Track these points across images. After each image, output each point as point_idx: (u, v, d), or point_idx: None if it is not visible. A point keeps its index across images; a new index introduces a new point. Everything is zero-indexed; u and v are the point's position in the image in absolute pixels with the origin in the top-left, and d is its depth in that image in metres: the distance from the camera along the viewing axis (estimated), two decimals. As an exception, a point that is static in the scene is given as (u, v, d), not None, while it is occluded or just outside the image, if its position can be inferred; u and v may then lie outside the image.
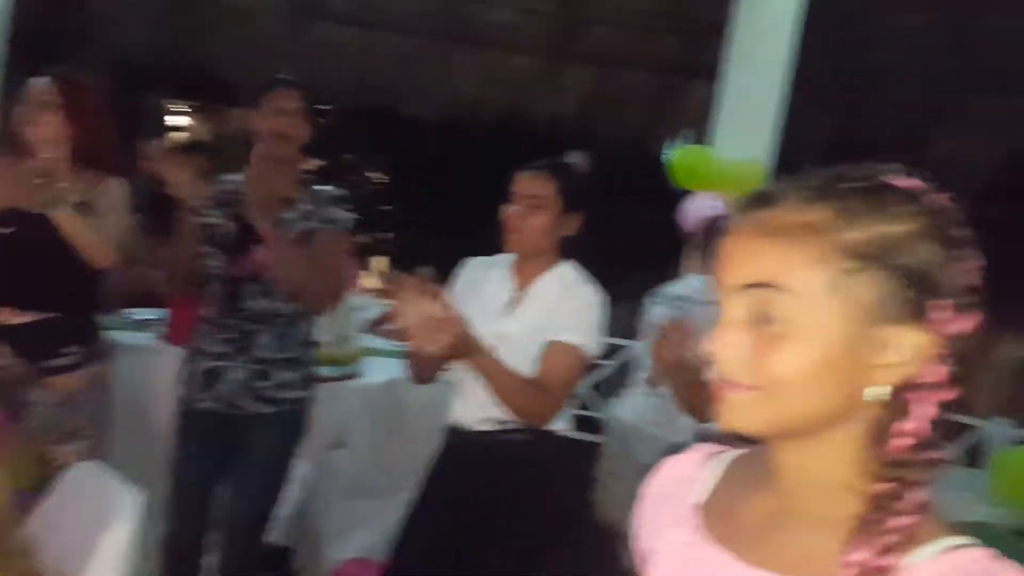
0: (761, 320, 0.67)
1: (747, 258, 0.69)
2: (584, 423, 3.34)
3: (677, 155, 4.22)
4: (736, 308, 0.69)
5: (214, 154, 3.68)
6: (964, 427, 5.17)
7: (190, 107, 8.10)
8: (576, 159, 2.11)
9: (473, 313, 1.96)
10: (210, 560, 2.35)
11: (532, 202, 2.00)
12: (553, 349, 1.93)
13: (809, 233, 0.66)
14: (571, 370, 1.94)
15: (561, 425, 2.02)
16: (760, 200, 0.70)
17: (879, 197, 0.67)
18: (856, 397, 0.68)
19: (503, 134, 6.32)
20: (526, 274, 2.07)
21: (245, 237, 2.22)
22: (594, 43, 6.13)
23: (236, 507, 2.31)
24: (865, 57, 6.02)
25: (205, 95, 7.58)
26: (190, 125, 8.19)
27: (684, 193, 4.21)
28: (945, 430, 0.69)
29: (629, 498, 0.91)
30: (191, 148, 3.50)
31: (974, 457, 4.84)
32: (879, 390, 0.68)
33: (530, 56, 6.40)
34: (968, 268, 0.68)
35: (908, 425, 0.67)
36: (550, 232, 2.02)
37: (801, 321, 0.66)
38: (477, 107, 6.49)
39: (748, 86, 4.30)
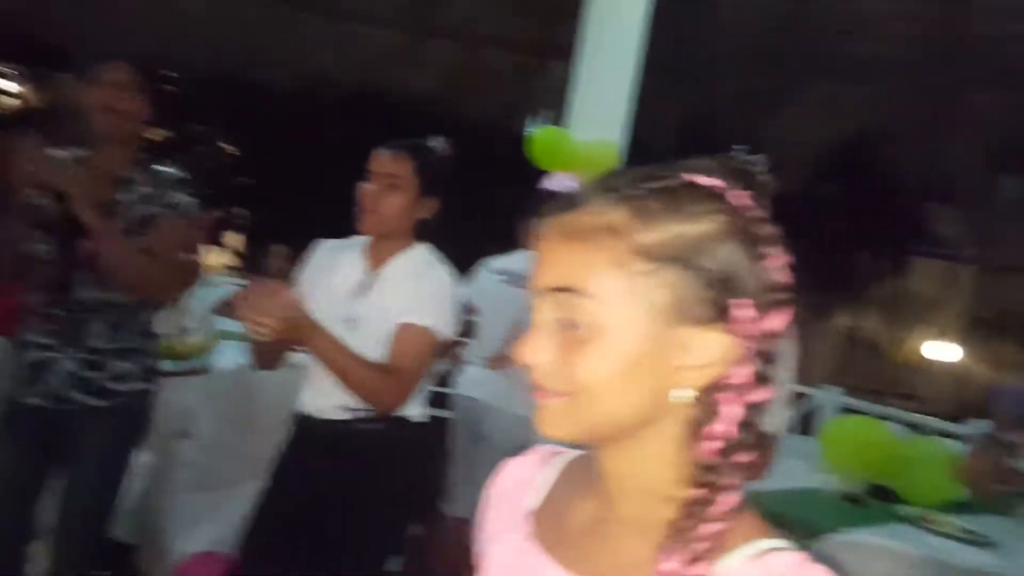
0: (567, 325, 0.67)
1: (551, 261, 0.68)
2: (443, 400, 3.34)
3: (535, 135, 4.26)
4: (544, 312, 0.68)
5: (48, 126, 3.39)
6: (798, 395, 5.53)
7: (23, 73, 7.45)
8: (437, 142, 2.08)
9: (323, 297, 1.89)
10: (37, 566, 2.19)
11: (389, 181, 1.95)
12: (403, 332, 1.89)
13: (608, 235, 0.65)
14: (422, 353, 1.90)
15: (416, 410, 1.99)
16: (565, 203, 0.69)
17: (677, 197, 0.66)
18: (664, 400, 0.66)
19: (362, 107, 6.17)
20: (379, 256, 2.02)
21: (75, 221, 2.05)
22: (455, 19, 6.09)
23: (67, 507, 2.15)
24: (712, 42, 6.27)
25: (41, 61, 7.01)
26: (22, 92, 7.53)
27: (542, 173, 4.26)
28: (757, 433, 0.67)
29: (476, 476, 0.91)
30: (21, 118, 3.21)
31: (807, 425, 5.19)
32: (683, 393, 0.66)
33: (389, 29, 6.27)
34: (773, 266, 0.66)
35: (716, 428, 0.66)
36: (406, 214, 1.98)
37: (602, 325, 0.65)
38: (333, 79, 6.31)
39: (601, 68, 4.37)
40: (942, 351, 14.75)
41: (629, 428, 0.68)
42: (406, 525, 1.97)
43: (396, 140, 2.03)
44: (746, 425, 0.66)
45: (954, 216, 14.41)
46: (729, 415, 0.65)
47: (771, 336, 0.66)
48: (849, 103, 6.04)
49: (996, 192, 13.55)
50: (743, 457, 0.65)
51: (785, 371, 1.67)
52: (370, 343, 1.87)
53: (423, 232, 2.04)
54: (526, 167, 4.22)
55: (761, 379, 0.66)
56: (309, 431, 1.97)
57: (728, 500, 0.65)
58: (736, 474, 0.65)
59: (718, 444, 0.65)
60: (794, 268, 0.69)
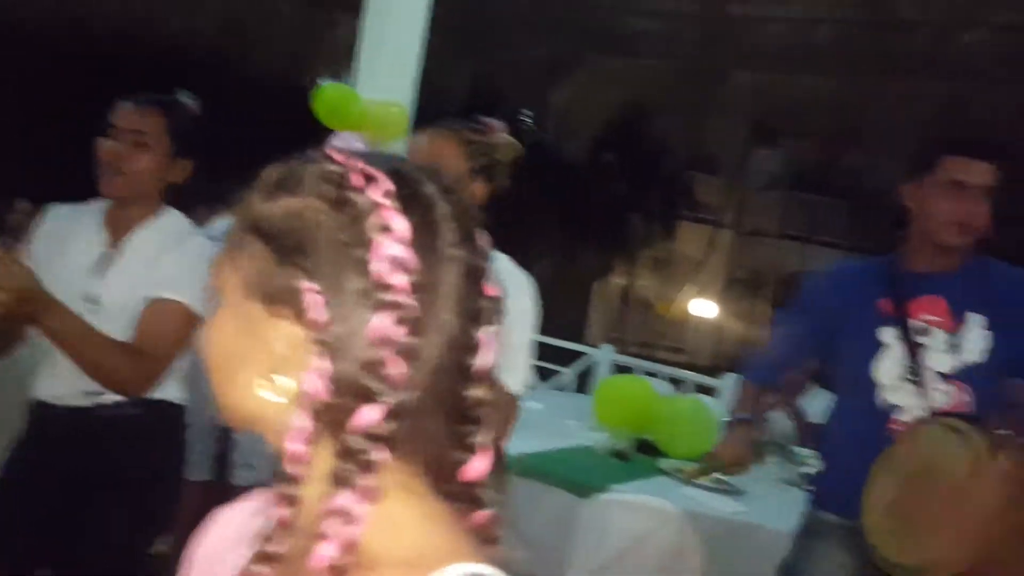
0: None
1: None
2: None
3: (320, 92, 4.09)
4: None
5: None
6: (575, 354, 5.82)
7: None
8: (187, 98, 1.90)
9: (58, 272, 1.68)
10: None
11: (134, 139, 1.76)
12: (153, 308, 1.72)
13: (239, 210, 0.63)
14: (175, 331, 1.71)
15: (175, 392, 1.85)
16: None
17: (297, 172, 0.61)
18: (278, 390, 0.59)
19: (125, 55, 5.62)
20: (122, 225, 1.80)
21: None
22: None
23: None
24: (498, 8, 6.33)
25: None
26: None
27: (328, 131, 4.11)
28: (367, 441, 0.56)
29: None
30: None
31: (584, 383, 5.46)
32: (268, 385, 0.59)
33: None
34: (380, 260, 0.57)
35: (293, 431, 0.57)
36: (155, 176, 1.80)
37: (219, 299, 0.63)
38: (88, 22, 5.70)
39: (389, 27, 4.27)
40: (704, 308, 16.08)
41: (260, 417, 0.60)
42: (172, 503, 1.85)
43: (144, 93, 1.84)
44: (325, 432, 0.56)
45: (715, 185, 15.72)
46: (300, 419, 0.56)
47: (363, 339, 0.56)
48: (625, 76, 6.38)
49: (750, 164, 14.92)
50: (356, 464, 0.55)
51: (522, 332, 1.72)
52: (115, 325, 1.69)
53: (175, 197, 1.88)
54: (313, 126, 4.06)
55: (352, 386, 0.56)
56: (48, 420, 1.78)
57: (357, 512, 0.55)
58: (365, 476, 0.55)
59: (298, 451, 0.56)
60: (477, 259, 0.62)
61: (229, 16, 6.07)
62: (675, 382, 5.08)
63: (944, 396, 1.80)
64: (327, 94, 4.05)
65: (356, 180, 0.60)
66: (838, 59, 5.66)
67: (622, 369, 5.60)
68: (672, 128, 6.74)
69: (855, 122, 5.72)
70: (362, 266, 0.57)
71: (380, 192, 0.59)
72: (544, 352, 5.94)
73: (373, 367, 0.56)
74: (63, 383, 1.73)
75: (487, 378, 0.62)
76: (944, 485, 1.36)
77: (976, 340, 1.81)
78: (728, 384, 4.90)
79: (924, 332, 1.84)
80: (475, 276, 0.62)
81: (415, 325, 0.57)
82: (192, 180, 1.91)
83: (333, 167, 0.61)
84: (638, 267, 16.94)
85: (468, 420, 0.61)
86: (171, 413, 1.85)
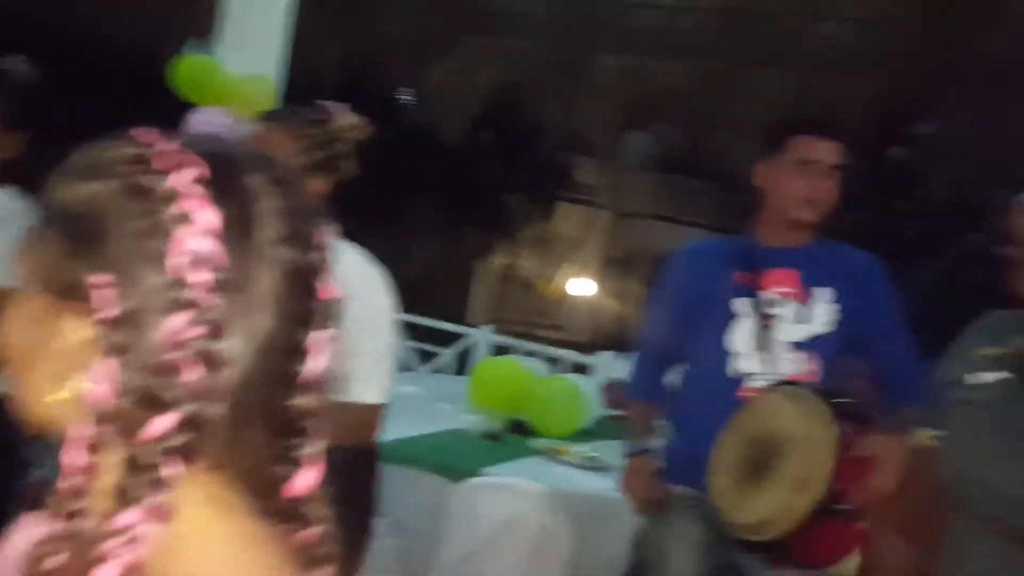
0: None
1: None
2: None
3: (180, 62, 3.87)
4: None
5: None
6: (457, 336, 5.81)
7: None
8: (20, 64, 1.75)
9: None
10: None
11: None
12: None
13: (42, 194, 0.57)
14: None
15: None
16: None
17: (94, 156, 0.56)
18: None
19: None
20: None
21: None
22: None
23: None
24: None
25: None
26: None
27: (188, 106, 3.90)
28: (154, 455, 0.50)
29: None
30: None
31: (464, 365, 5.46)
32: (59, 386, 0.54)
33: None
34: (180, 254, 0.52)
35: (74, 439, 0.51)
36: None
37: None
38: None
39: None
40: (582, 287, 16.40)
41: (52, 421, 0.55)
42: None
43: None
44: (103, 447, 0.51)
45: (592, 166, 16.04)
46: (84, 428, 0.51)
47: (156, 341, 0.51)
48: (503, 57, 6.39)
49: (624, 147, 15.28)
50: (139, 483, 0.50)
51: (378, 337, 1.66)
52: None
53: (6, 174, 1.73)
54: (171, 99, 3.85)
55: (142, 393, 0.50)
56: None
57: (143, 532, 0.50)
58: (154, 492, 0.50)
59: (82, 458, 0.51)
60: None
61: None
62: (553, 361, 5.16)
63: (792, 364, 1.88)
64: (187, 65, 3.84)
65: (160, 164, 0.54)
66: (702, 47, 5.84)
67: (502, 349, 5.63)
68: (546, 109, 6.80)
69: (718, 107, 5.94)
70: (159, 260, 0.52)
71: (188, 179, 0.53)
72: (425, 334, 5.93)
73: (166, 372, 0.51)
74: None
75: (316, 386, 0.57)
76: (781, 449, 1.42)
77: (823, 312, 1.90)
78: (602, 362, 5.01)
79: (776, 303, 1.92)
80: (304, 276, 0.57)
81: (217, 327, 0.52)
82: (37, 155, 1.76)
83: (136, 149, 0.55)
84: (519, 247, 17.11)
85: (293, 432, 0.56)
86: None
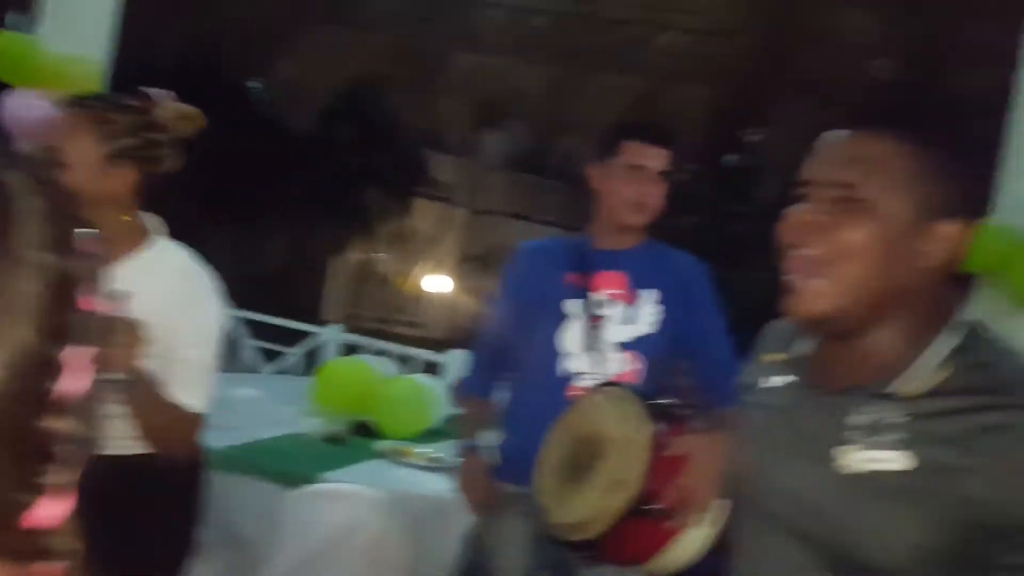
0: None
1: None
2: None
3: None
4: None
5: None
6: (303, 335, 5.64)
7: None
8: None
9: None
10: None
11: None
12: None
13: None
14: None
15: None
16: None
17: None
18: None
19: None
20: None
21: None
22: None
23: None
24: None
25: None
26: None
27: (4, 87, 3.60)
28: None
29: None
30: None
31: (311, 365, 5.31)
32: None
33: None
34: None
35: None
36: None
37: None
38: None
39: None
40: (440, 284, 16.37)
41: None
42: None
43: None
44: None
45: (449, 163, 16.03)
46: None
47: None
48: (357, 51, 6.27)
49: (480, 145, 15.38)
50: None
51: (201, 344, 1.60)
52: None
53: None
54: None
55: None
56: None
57: None
58: None
59: None
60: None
61: None
62: (405, 360, 5.10)
63: (619, 364, 1.93)
64: (3, 42, 3.55)
65: None
66: (552, 49, 5.96)
67: (352, 348, 5.51)
68: (402, 104, 6.73)
69: (567, 109, 6.07)
70: None
71: None
72: (273, 333, 5.72)
73: None
74: None
75: (70, 407, 0.51)
76: (601, 450, 1.45)
77: (648, 312, 1.97)
78: (455, 360, 5.00)
79: (605, 304, 1.96)
80: (65, 285, 0.51)
81: None
82: None
83: None
84: (375, 243, 16.86)
85: (38, 456, 0.50)
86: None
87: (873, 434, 0.92)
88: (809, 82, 5.51)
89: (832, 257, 0.93)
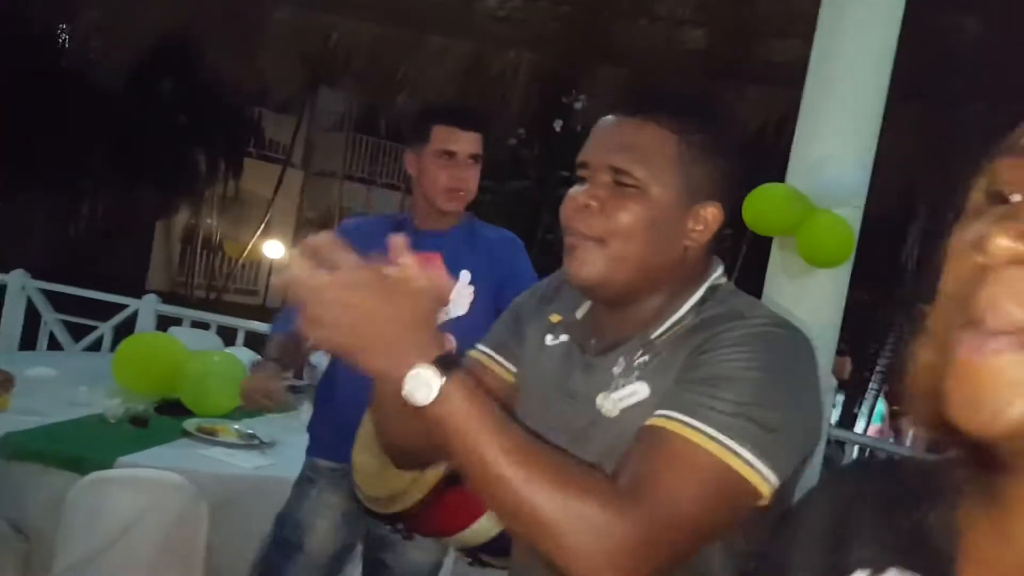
0: None
1: None
2: None
3: None
4: None
5: None
6: (116, 307, 5.28)
7: None
8: None
9: None
10: None
11: None
12: None
13: None
14: None
15: None
16: None
17: None
18: None
19: None
20: None
21: None
22: None
23: None
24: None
25: None
26: None
27: None
28: None
29: None
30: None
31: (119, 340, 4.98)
32: None
33: None
34: None
35: None
36: None
37: None
38: None
39: None
40: (276, 248, 15.81)
41: None
42: None
43: None
44: None
45: (283, 124, 15.40)
46: None
47: None
48: (171, 2, 5.88)
49: (316, 104, 14.87)
50: None
51: None
52: None
53: None
54: None
55: None
56: None
57: None
58: None
59: None
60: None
61: None
62: (230, 331, 4.88)
63: None
64: None
65: None
66: (376, 6, 5.83)
67: (172, 321, 5.22)
68: (223, 60, 6.37)
69: (399, 70, 5.98)
70: None
71: None
72: (84, 306, 5.31)
73: None
74: None
75: None
76: None
77: (463, 295, 1.97)
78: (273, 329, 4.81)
79: None
80: None
81: None
82: None
83: None
84: (205, 207, 15.99)
85: None
86: None
87: (624, 376, 1.00)
88: (624, 52, 5.69)
89: (605, 236, 1.01)
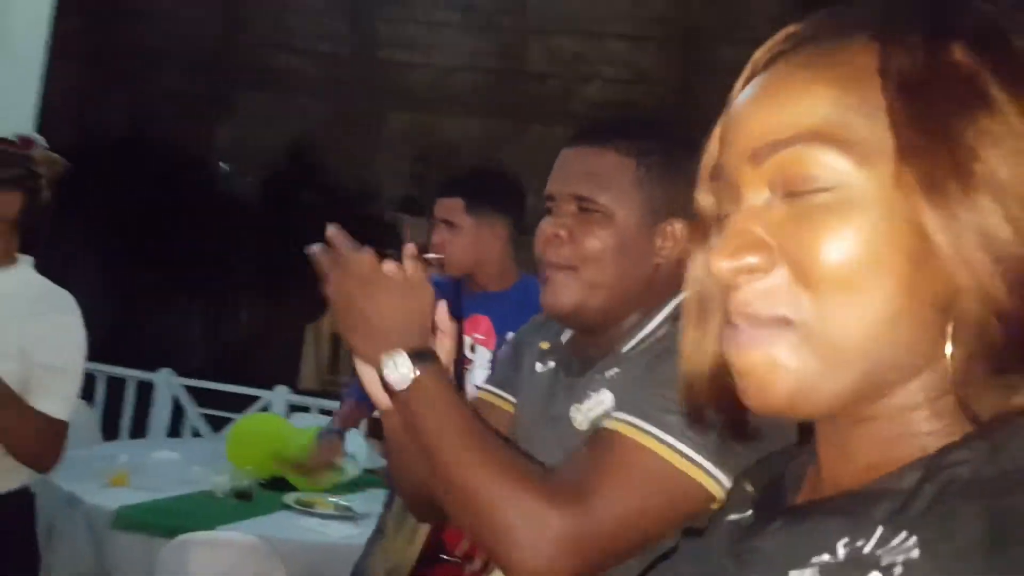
0: None
1: None
2: None
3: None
4: None
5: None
6: (250, 399, 5.62)
7: None
8: None
9: None
10: None
11: None
12: None
13: None
14: None
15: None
16: None
17: None
18: None
19: None
20: None
21: None
22: None
23: None
24: (147, 42, 6.04)
25: None
26: None
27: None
28: None
29: None
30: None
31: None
32: None
33: None
34: None
35: None
36: None
37: None
38: None
39: (5, 45, 3.94)
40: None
41: None
42: None
43: None
44: None
45: (422, 226, 16.10)
46: None
47: None
48: (294, 116, 6.43)
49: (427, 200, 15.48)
50: None
51: (65, 352, 1.73)
52: None
53: None
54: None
55: None
56: None
57: None
58: None
59: None
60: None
61: None
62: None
63: None
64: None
65: None
66: (477, 103, 6.12)
67: (300, 409, 5.51)
68: (353, 166, 6.84)
69: (500, 161, 6.22)
70: None
71: None
72: (223, 401, 5.69)
73: None
74: None
75: None
76: None
77: (480, 362, 2.00)
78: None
79: (473, 349, 2.00)
80: None
81: None
82: None
83: None
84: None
85: None
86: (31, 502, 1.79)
87: (593, 389, 1.02)
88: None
89: (576, 263, 1.03)
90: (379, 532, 2.10)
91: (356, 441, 3.20)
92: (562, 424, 1.04)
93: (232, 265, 13.96)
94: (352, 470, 2.98)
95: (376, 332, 0.93)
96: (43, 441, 1.73)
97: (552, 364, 1.13)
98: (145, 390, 5.53)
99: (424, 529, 1.35)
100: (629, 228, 1.01)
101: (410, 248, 0.99)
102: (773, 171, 0.49)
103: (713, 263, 0.50)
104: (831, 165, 0.46)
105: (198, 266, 12.84)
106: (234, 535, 2.20)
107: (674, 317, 1.03)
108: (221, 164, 11.86)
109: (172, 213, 11.50)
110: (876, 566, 0.40)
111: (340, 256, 0.93)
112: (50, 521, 2.49)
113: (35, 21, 4.06)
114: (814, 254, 0.46)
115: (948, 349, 0.45)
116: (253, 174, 7.20)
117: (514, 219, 2.15)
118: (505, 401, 1.20)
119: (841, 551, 0.42)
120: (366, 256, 0.94)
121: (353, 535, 2.56)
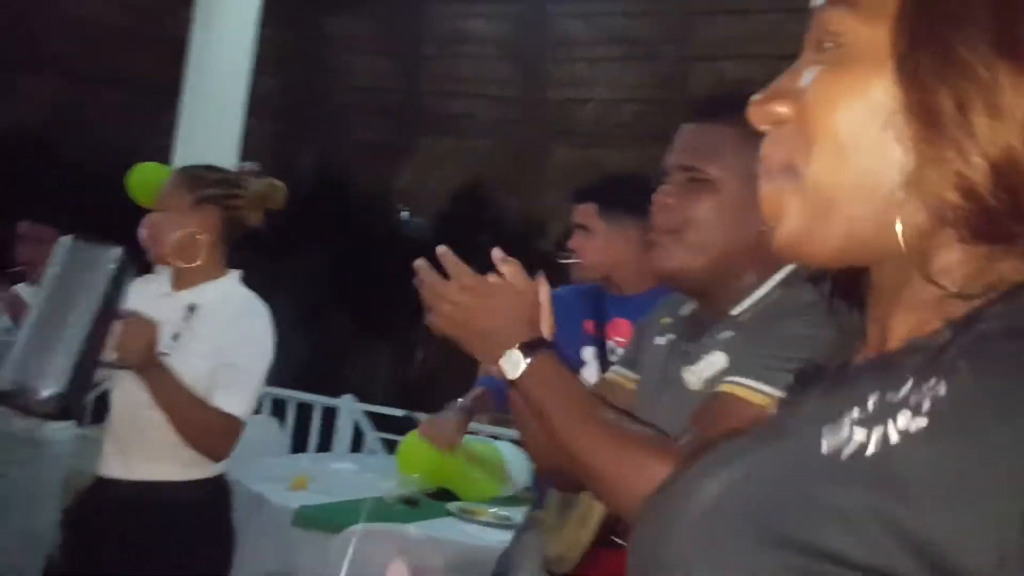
0: None
1: None
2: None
3: (135, 171, 4.14)
4: None
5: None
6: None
7: None
8: None
9: None
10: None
11: None
12: None
13: None
14: None
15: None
16: None
17: None
18: None
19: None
20: None
21: None
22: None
23: None
24: (332, 95, 6.54)
25: None
26: None
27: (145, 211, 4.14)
28: None
29: None
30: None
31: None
32: None
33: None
34: None
35: None
36: None
37: None
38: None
39: (208, 106, 4.43)
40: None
41: None
42: None
43: None
44: None
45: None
46: None
47: None
48: (458, 157, 6.77)
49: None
50: None
51: (251, 354, 1.89)
52: None
53: None
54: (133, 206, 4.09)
55: None
56: (107, 497, 1.89)
57: None
58: None
59: None
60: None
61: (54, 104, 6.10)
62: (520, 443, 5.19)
63: None
64: (141, 171, 4.11)
65: None
66: (641, 133, 6.16)
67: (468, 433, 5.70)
68: (511, 203, 7.09)
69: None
70: None
71: None
72: (399, 424, 5.99)
73: None
74: (123, 459, 1.85)
75: None
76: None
77: (591, 366, 2.01)
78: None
79: (616, 353, 2.02)
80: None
81: None
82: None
83: None
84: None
85: None
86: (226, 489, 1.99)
87: (706, 351, 1.06)
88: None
89: (680, 227, 1.10)
90: (528, 527, 2.15)
91: (518, 460, 3.29)
92: (676, 387, 1.07)
93: (411, 302, 14.69)
94: (518, 477, 3.07)
95: (490, 340, 1.05)
96: (215, 434, 1.86)
97: (672, 336, 1.17)
98: (329, 415, 5.90)
99: (597, 513, 1.38)
100: (732, 195, 1.06)
101: (498, 252, 1.09)
102: (814, 33, 0.55)
103: (750, 112, 0.54)
104: (844, 22, 0.52)
105: (380, 303, 13.66)
106: (400, 526, 2.33)
107: (786, 283, 1.05)
108: (401, 208, 12.67)
109: (357, 256, 12.37)
110: (905, 406, 0.41)
111: (456, 274, 1.04)
112: (241, 519, 2.74)
113: (235, 79, 4.54)
114: (815, 100, 0.51)
115: (898, 226, 0.48)
116: (430, 215, 7.61)
117: (648, 223, 2.17)
118: (628, 380, 1.24)
119: (871, 404, 0.44)
120: (468, 274, 1.03)
121: (505, 540, 2.63)
